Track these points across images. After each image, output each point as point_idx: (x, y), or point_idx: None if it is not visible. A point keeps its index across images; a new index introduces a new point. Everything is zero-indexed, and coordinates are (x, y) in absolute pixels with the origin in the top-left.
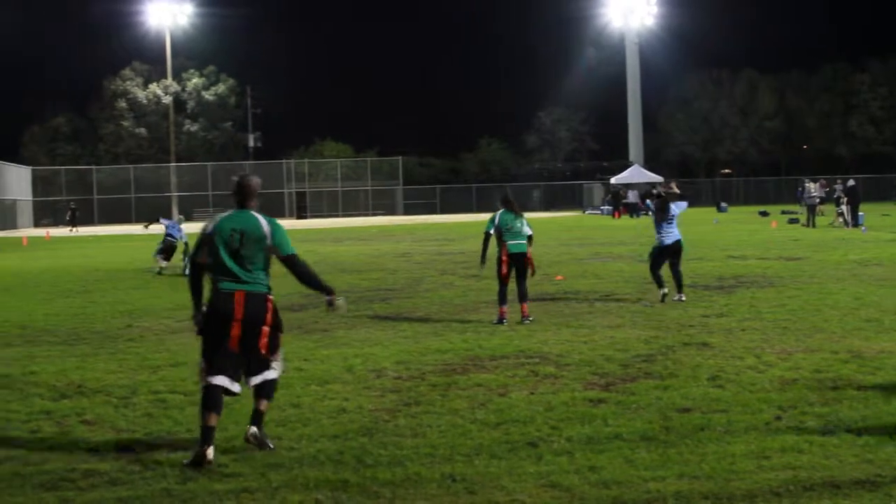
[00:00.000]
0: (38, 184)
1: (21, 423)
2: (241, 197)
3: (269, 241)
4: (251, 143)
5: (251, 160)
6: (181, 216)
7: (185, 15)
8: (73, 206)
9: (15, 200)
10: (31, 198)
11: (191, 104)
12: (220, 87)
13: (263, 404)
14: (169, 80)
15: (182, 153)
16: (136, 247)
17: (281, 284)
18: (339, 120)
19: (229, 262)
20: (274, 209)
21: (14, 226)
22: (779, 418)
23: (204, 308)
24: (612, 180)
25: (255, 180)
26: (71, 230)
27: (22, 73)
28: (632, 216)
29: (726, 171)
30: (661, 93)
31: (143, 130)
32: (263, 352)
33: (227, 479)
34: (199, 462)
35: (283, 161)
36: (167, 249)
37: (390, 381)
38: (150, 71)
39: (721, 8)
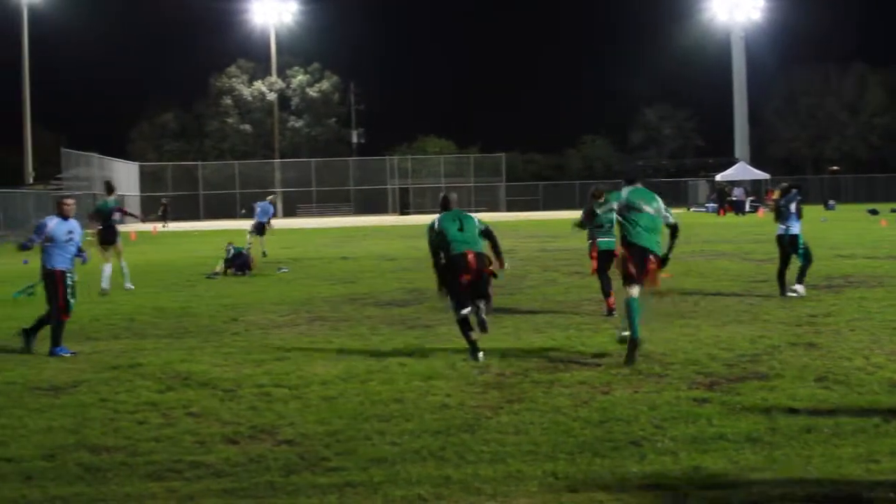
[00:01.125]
0: (146, 179)
1: (128, 414)
2: (447, 206)
3: (477, 224)
4: (354, 140)
5: (354, 156)
6: (273, 196)
7: (290, 12)
8: (164, 202)
9: (123, 196)
10: (138, 193)
11: (295, 101)
12: (324, 84)
13: (486, 308)
14: (274, 78)
15: (286, 149)
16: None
17: (385, 281)
18: (442, 116)
19: (459, 236)
20: (377, 205)
21: (122, 221)
22: (888, 421)
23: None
24: (718, 177)
25: (454, 196)
26: (163, 226)
27: (130, 70)
28: (737, 213)
29: (834, 168)
30: (768, 88)
31: (247, 127)
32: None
33: (330, 474)
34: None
35: (387, 157)
36: (257, 227)
37: (493, 378)
38: (255, 68)
39: (828, 1)
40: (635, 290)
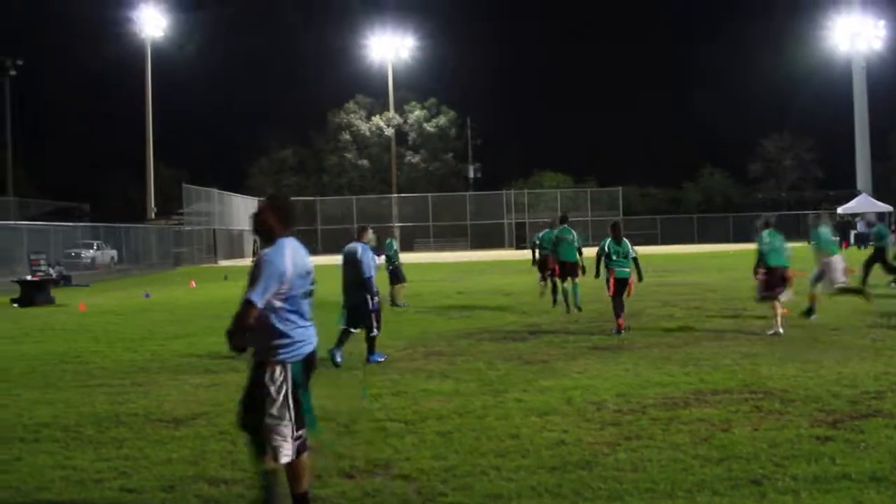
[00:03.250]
0: None
1: (246, 447)
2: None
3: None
4: (471, 174)
5: (471, 191)
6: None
7: (407, 48)
8: (256, 241)
9: (241, 230)
10: None
11: (412, 136)
12: (441, 119)
13: None
14: (391, 113)
15: (403, 184)
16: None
17: (501, 316)
18: (558, 149)
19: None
20: (493, 239)
21: (241, 255)
22: None
23: None
24: (839, 210)
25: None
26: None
27: (250, 105)
28: (859, 247)
29: None
30: (891, 118)
31: (365, 162)
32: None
33: None
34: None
35: (503, 192)
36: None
37: (610, 414)
38: (372, 104)
39: None
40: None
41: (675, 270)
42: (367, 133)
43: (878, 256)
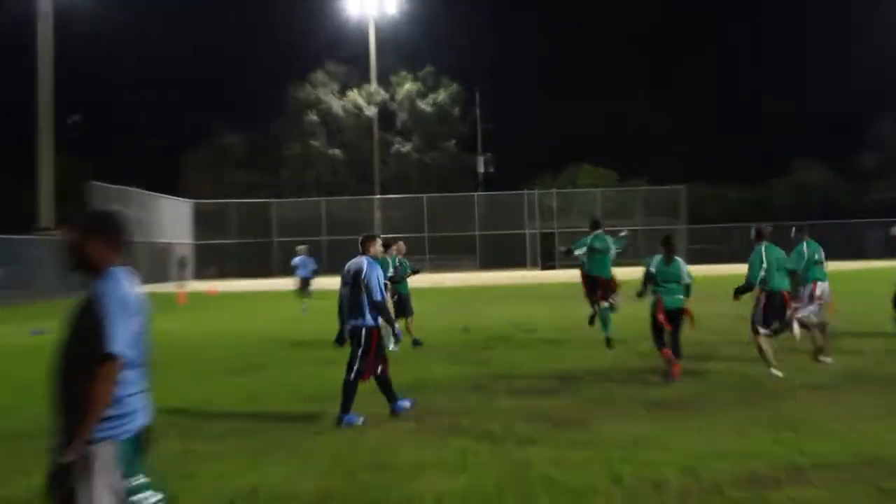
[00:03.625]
0: (202, 221)
1: None
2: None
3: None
4: (481, 168)
5: (481, 190)
6: (306, 246)
7: (395, 1)
8: (183, 257)
9: (170, 243)
10: (191, 240)
11: (402, 117)
12: (441, 95)
13: None
14: (373, 87)
15: (389, 181)
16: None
17: (522, 361)
18: (599, 136)
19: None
20: (511, 256)
21: (167, 277)
22: None
23: None
24: None
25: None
26: (179, 287)
27: (184, 77)
28: None
29: None
30: None
31: (337, 152)
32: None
33: None
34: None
35: (524, 192)
36: (303, 285)
37: (673, 497)
38: (347, 74)
39: None
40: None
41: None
42: (341, 113)
43: None
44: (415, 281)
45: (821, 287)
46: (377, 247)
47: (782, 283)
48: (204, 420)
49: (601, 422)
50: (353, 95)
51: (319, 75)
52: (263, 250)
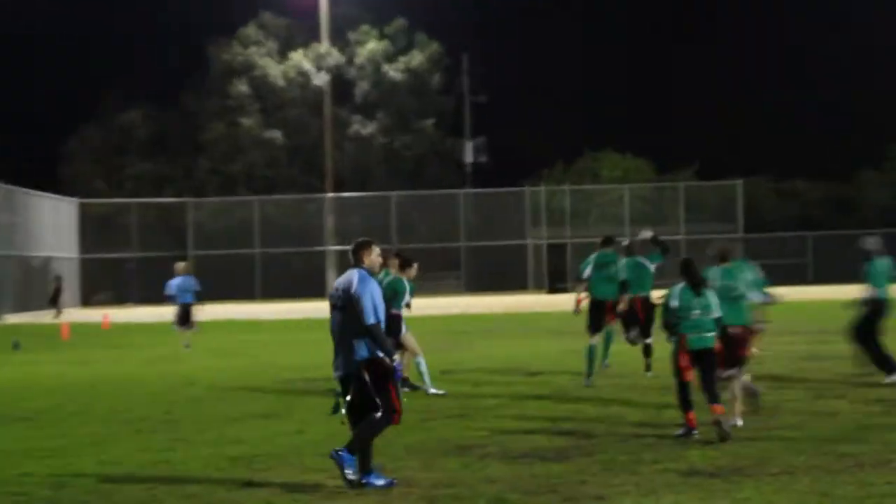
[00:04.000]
0: (91, 228)
1: None
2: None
3: None
4: (469, 157)
5: (469, 187)
6: (187, 264)
7: None
8: (58, 278)
9: (48, 258)
10: (76, 254)
11: (363, 88)
12: (415, 58)
13: None
14: (324, 46)
15: (346, 174)
16: (261, 342)
17: (518, 415)
18: (627, 117)
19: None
20: (507, 275)
21: (44, 303)
22: None
23: None
24: None
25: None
26: (56, 315)
27: (69, 36)
28: None
29: None
30: None
31: (276, 134)
32: None
33: None
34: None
35: (526, 189)
36: (182, 316)
37: None
38: (290, 30)
39: None
40: None
41: (840, 333)
42: (281, 82)
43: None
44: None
45: None
46: (374, 256)
47: (737, 318)
48: (95, 493)
49: (624, 496)
50: (298, 58)
51: (251, 30)
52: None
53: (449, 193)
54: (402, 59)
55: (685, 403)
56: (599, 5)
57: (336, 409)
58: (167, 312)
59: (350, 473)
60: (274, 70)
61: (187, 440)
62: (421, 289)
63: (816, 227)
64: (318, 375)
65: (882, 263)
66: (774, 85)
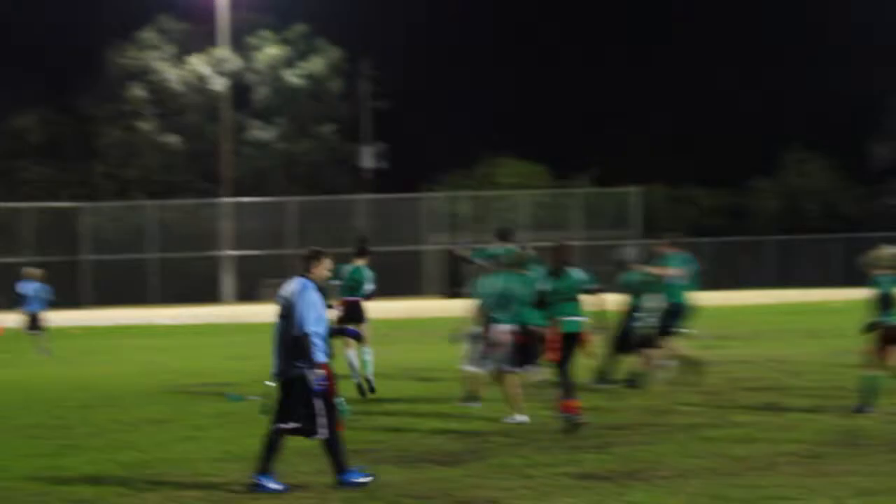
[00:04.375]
0: None
1: None
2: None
3: None
4: (368, 163)
5: (368, 192)
6: (34, 270)
7: None
8: None
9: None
10: None
11: (262, 93)
12: (315, 64)
13: None
14: (223, 51)
15: (244, 180)
16: (156, 347)
17: (414, 418)
18: (526, 124)
19: None
20: (405, 279)
21: None
22: None
23: None
24: None
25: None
26: None
27: None
28: None
29: None
30: None
31: (174, 139)
32: None
33: None
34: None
35: (425, 196)
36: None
37: None
38: (187, 35)
39: None
40: None
41: (732, 337)
42: (179, 86)
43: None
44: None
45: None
46: (322, 269)
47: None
48: None
49: (517, 498)
50: (196, 63)
51: (149, 34)
52: (69, 272)
53: (347, 199)
54: (302, 65)
55: (568, 386)
56: (499, 11)
57: (265, 409)
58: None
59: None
60: (171, 75)
61: (79, 446)
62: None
63: (710, 234)
64: (212, 380)
65: (635, 274)
66: (669, 93)
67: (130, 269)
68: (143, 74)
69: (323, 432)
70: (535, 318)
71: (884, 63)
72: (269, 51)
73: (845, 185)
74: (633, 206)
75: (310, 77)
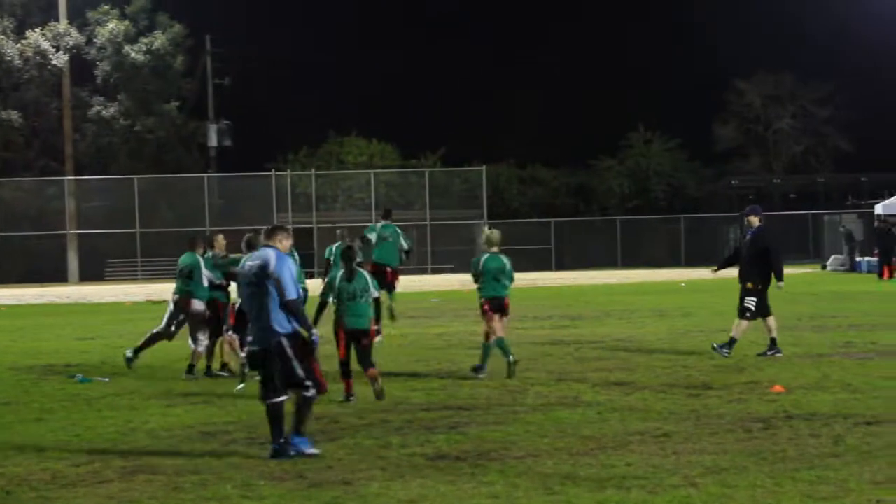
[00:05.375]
0: None
1: None
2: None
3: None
4: (213, 141)
5: (213, 171)
6: None
7: None
8: None
9: None
10: None
11: (104, 69)
12: (158, 39)
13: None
14: (62, 25)
15: (87, 157)
16: (0, 327)
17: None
18: (373, 101)
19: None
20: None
21: None
22: None
23: None
24: (878, 210)
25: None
26: None
27: None
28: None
29: None
30: None
31: (14, 115)
32: None
33: None
34: None
35: (272, 174)
36: None
37: None
38: (26, 8)
39: None
40: None
41: (581, 318)
42: (18, 61)
43: None
44: (116, 293)
45: None
46: (286, 242)
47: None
48: None
49: (370, 480)
50: (35, 37)
51: None
52: None
53: (194, 177)
54: (144, 41)
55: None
56: None
57: (242, 381)
58: None
59: (311, 449)
60: (10, 49)
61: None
62: (163, 274)
63: (558, 214)
64: (56, 361)
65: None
66: (516, 73)
67: None
68: None
69: (312, 392)
70: None
71: (729, 42)
72: (110, 26)
73: (690, 167)
74: (481, 185)
75: (151, 53)
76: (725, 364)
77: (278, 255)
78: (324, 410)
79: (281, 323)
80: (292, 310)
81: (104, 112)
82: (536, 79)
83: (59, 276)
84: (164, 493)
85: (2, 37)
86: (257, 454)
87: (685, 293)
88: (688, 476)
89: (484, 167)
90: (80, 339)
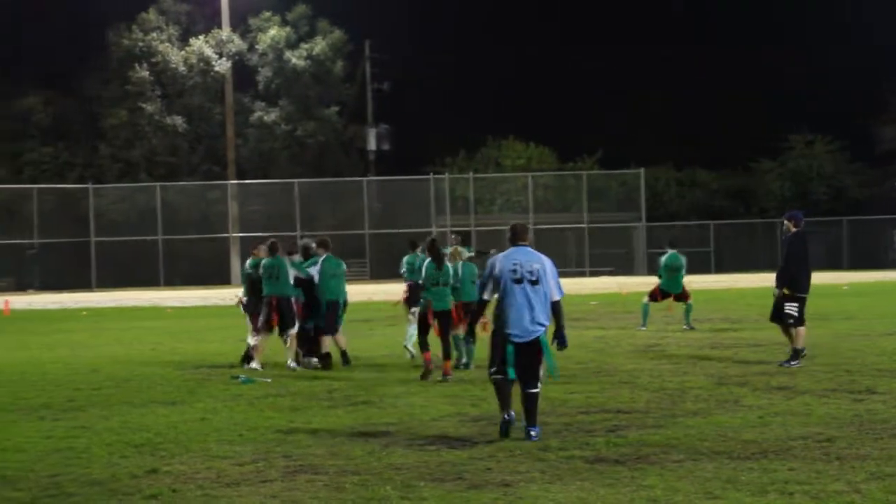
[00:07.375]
0: None
1: None
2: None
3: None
4: (372, 145)
5: (372, 174)
6: None
7: None
8: None
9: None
10: None
11: (265, 75)
12: (318, 45)
13: None
14: (225, 32)
15: (248, 162)
16: (164, 329)
17: (426, 401)
18: (531, 106)
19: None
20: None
21: None
22: None
23: None
24: None
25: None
26: None
27: None
28: None
29: None
30: None
31: (178, 121)
32: None
33: None
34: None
35: (430, 177)
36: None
37: None
38: (190, 15)
39: None
40: None
41: (741, 321)
42: (182, 68)
43: None
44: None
45: None
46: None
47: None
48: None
49: (529, 482)
50: (199, 44)
51: (151, 15)
52: (77, 253)
53: (353, 181)
54: (305, 46)
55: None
56: None
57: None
58: (68, 299)
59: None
60: (174, 56)
61: (91, 427)
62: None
63: (717, 217)
64: (221, 362)
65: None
66: (673, 74)
67: (137, 250)
68: (145, 56)
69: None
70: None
71: (889, 42)
72: (272, 32)
73: (852, 169)
74: (639, 187)
75: (312, 59)
76: (890, 368)
77: (547, 258)
78: (480, 414)
79: (544, 319)
80: (558, 309)
81: (265, 117)
82: (694, 80)
83: (222, 279)
84: (326, 493)
85: (167, 44)
86: (417, 456)
87: (847, 296)
88: (852, 482)
89: (642, 170)
90: (243, 340)
